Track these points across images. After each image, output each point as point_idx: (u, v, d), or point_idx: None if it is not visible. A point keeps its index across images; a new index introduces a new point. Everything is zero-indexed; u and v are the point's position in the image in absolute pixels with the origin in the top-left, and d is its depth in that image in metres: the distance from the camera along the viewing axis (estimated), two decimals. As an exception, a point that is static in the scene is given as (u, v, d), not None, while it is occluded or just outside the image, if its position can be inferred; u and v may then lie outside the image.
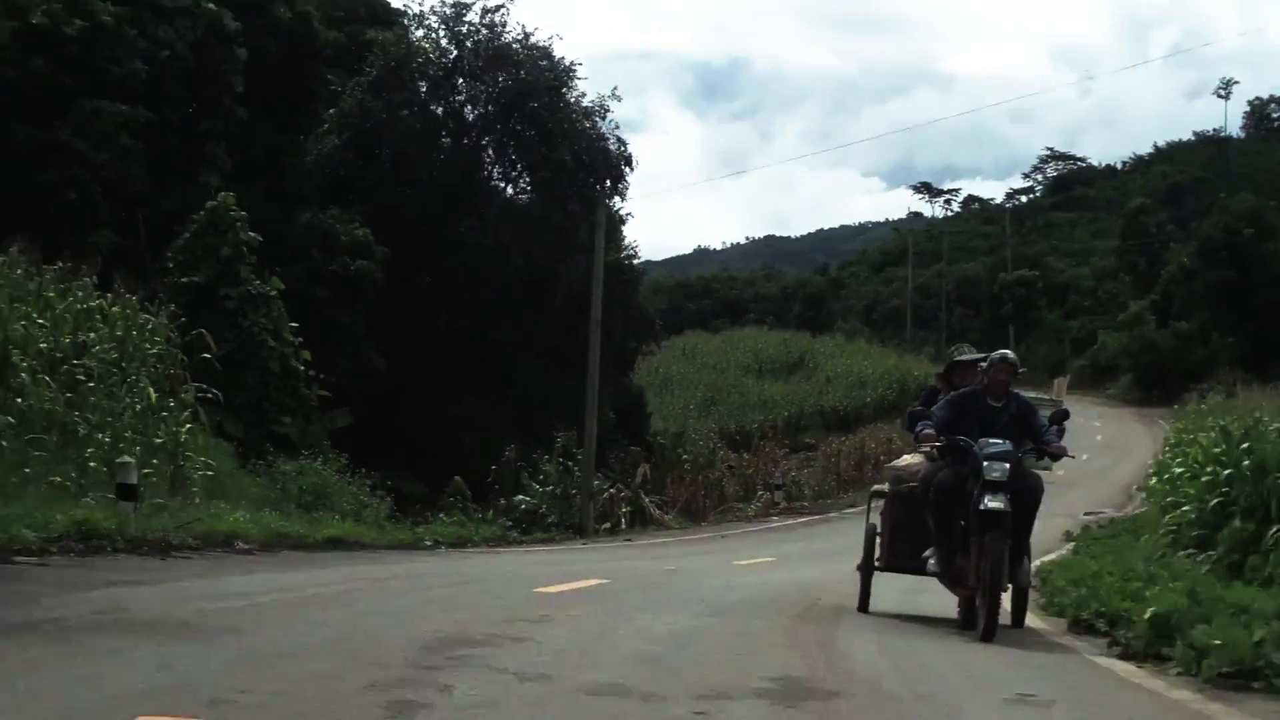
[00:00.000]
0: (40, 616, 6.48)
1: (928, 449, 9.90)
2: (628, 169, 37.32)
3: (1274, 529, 10.17)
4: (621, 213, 38.94)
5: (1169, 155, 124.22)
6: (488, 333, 35.36)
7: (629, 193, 41.96)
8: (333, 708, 4.60)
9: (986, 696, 6.09)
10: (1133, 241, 71.33)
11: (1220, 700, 6.16)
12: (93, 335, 20.67)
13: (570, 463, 30.28)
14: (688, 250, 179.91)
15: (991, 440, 9.34)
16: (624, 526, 30.55)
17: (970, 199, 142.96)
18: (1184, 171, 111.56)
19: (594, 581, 11.56)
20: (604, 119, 37.31)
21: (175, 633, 6.15)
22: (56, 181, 28.21)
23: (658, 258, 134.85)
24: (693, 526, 32.47)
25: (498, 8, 37.37)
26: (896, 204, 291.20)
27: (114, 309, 21.93)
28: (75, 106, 28.54)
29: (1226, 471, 11.53)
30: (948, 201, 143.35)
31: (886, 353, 72.70)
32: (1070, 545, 20.01)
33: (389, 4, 43.77)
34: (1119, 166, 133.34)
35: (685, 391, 62.00)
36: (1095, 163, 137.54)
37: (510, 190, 37.89)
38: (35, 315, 19.51)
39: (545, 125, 35.69)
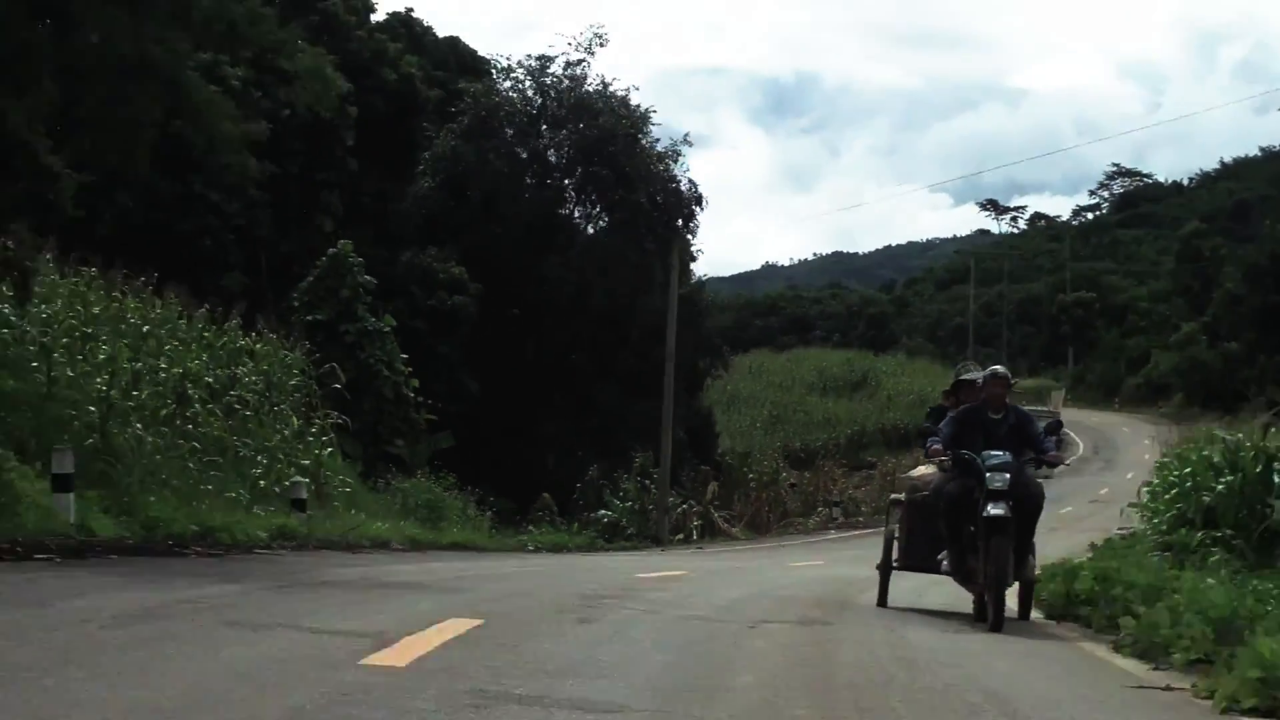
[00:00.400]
0: (332, 579, 9.89)
1: (938, 462, 10.68)
2: (698, 208, 40.62)
3: (1198, 534, 13.17)
4: (693, 249, 42.28)
5: (1235, 171, 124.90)
6: (570, 359, 38.67)
7: (699, 231, 45.25)
8: (548, 616, 8.10)
9: (935, 626, 9.28)
10: (1187, 265, 73.59)
11: (1091, 639, 9.30)
12: (242, 370, 24.25)
13: (647, 481, 33.51)
14: (756, 266, 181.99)
15: (993, 453, 10.03)
16: (695, 538, 33.77)
17: (1036, 216, 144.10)
18: (1250, 188, 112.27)
19: (678, 571, 14.88)
20: (676, 162, 40.63)
21: (420, 588, 9.53)
22: (193, 229, 31.91)
23: (726, 273, 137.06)
24: (757, 538, 35.67)
25: (579, 61, 40.78)
26: (964, 219, 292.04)
27: (258, 346, 25.56)
28: (209, 162, 32.29)
29: (1175, 490, 14.52)
30: (1014, 219, 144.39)
31: (946, 371, 75.18)
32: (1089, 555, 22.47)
33: (476, 52, 47.42)
34: (1185, 183, 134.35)
35: (752, 410, 64.71)
36: (1162, 179, 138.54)
37: (590, 228, 41.13)
38: (201, 354, 23.18)
39: (623, 169, 38.89)
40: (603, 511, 32.77)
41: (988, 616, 9.80)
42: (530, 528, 30.60)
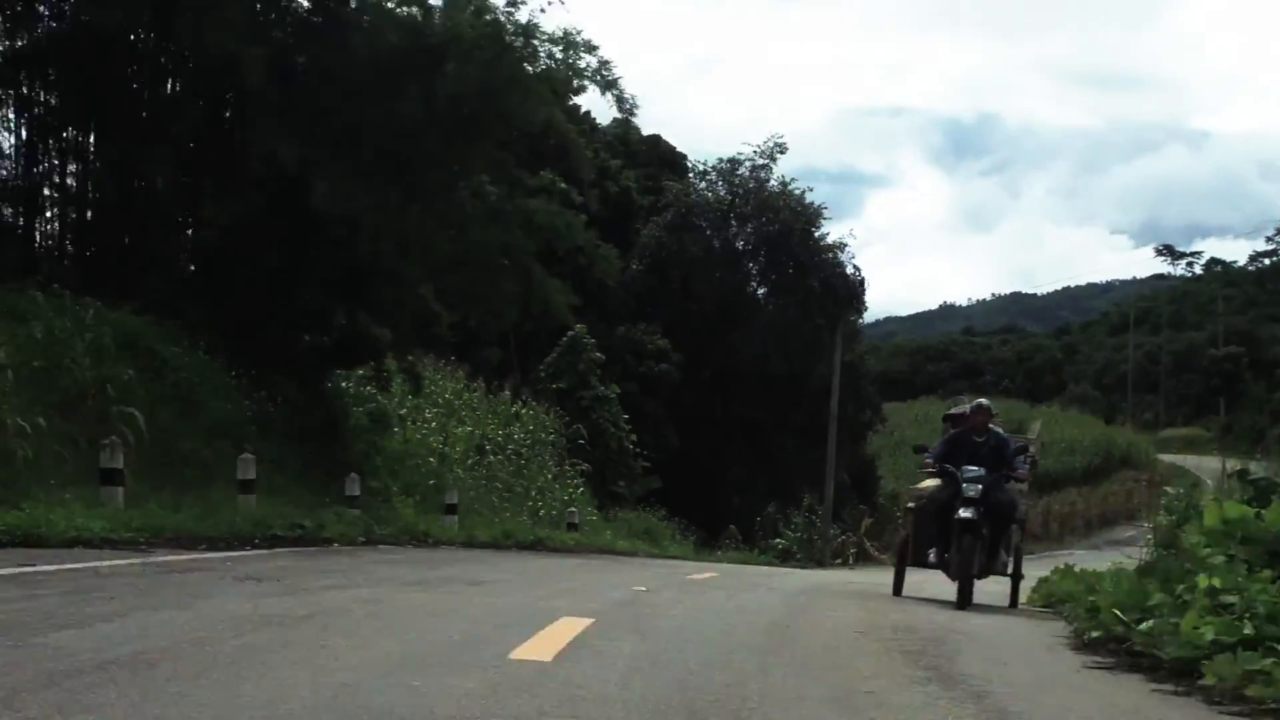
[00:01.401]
0: (631, 563, 18.41)
1: (931, 472, 12.89)
2: (862, 290, 48.71)
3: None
4: (857, 324, 50.34)
5: None
6: (752, 416, 46.88)
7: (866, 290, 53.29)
8: (747, 578, 16.40)
9: (918, 600, 17.24)
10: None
11: (1053, 618, 16.92)
12: (513, 429, 33.34)
13: (814, 516, 41.64)
14: (934, 306, 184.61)
15: (969, 467, 12.06)
16: (850, 563, 41.73)
17: (1213, 261, 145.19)
18: None
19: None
20: (843, 252, 48.86)
21: (676, 565, 17.94)
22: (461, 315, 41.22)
23: (904, 313, 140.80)
24: (903, 563, 43.33)
25: (763, 165, 49.41)
26: (1144, 260, 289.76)
27: (523, 411, 34.64)
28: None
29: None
30: (1190, 264, 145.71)
31: (1096, 421, 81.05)
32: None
33: (675, 148, 56.34)
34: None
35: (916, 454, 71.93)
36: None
37: (770, 307, 49.43)
38: (490, 418, 32.34)
39: (798, 258, 47.24)
40: (777, 540, 41.01)
41: (959, 601, 11.80)
42: (719, 551, 38.94)
